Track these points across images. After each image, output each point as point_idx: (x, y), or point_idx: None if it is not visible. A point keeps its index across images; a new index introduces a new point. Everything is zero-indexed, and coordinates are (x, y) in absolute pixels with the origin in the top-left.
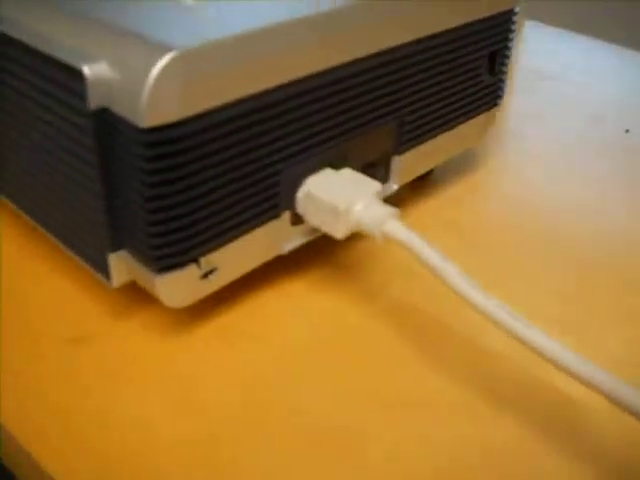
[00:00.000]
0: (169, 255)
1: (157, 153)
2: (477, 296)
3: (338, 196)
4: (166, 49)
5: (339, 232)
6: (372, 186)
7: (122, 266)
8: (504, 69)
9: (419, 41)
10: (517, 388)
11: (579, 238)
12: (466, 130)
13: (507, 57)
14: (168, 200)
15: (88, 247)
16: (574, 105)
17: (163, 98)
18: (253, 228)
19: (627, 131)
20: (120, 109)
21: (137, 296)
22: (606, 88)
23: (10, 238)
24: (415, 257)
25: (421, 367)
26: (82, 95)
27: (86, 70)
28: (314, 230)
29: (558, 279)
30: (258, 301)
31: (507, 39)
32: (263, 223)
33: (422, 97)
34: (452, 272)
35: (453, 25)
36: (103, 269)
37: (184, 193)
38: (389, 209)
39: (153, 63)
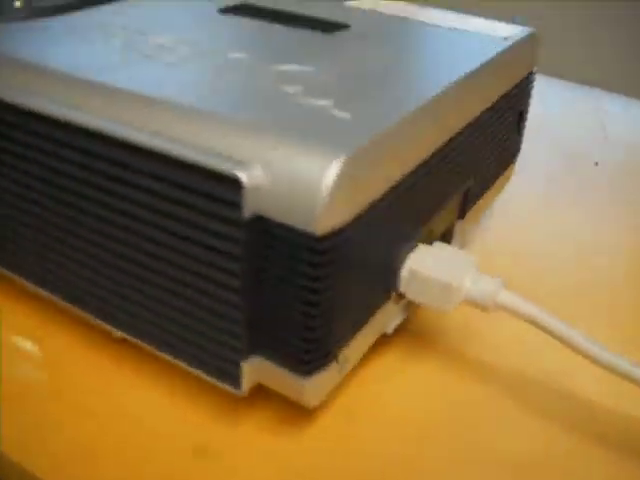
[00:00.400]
0: (318, 357)
1: (327, 259)
2: (610, 358)
3: (444, 272)
4: (336, 153)
5: (450, 307)
6: (470, 258)
7: (252, 372)
8: (524, 125)
9: (490, 108)
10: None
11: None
12: (497, 185)
13: (527, 113)
14: (327, 304)
15: (210, 355)
16: (549, 143)
17: (335, 204)
18: (374, 314)
19: (596, 164)
20: (283, 217)
21: (240, 398)
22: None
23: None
24: (535, 325)
25: (531, 422)
26: (235, 203)
27: (243, 178)
28: (410, 304)
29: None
30: (355, 380)
31: (529, 97)
32: (380, 307)
33: (483, 161)
34: (579, 339)
35: (508, 89)
36: (231, 377)
37: (342, 294)
38: (496, 280)
39: (325, 169)
